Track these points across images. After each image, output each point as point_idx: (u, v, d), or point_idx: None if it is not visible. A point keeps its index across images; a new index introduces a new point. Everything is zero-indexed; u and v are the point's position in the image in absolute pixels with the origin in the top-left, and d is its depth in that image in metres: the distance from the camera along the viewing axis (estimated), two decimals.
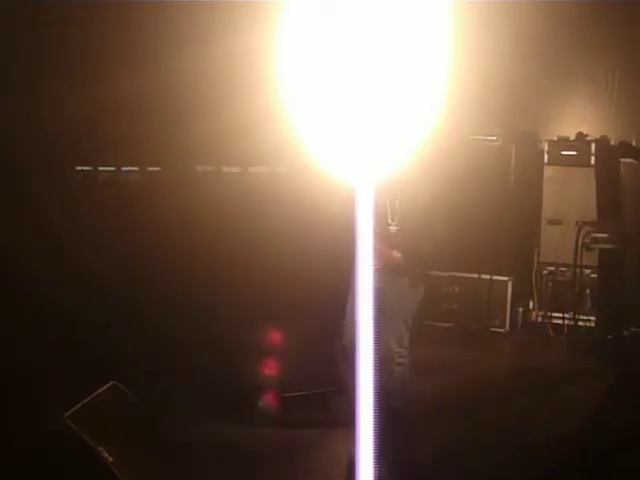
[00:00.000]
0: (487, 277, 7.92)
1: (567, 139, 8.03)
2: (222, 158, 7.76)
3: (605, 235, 7.57)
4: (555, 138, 8.07)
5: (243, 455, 5.02)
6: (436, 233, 5.18)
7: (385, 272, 5.00)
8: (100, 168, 7.96)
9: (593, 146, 7.92)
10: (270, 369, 5.74)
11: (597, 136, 8.06)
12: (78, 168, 7.88)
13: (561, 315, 7.88)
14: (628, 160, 7.86)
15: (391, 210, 5.13)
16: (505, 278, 7.97)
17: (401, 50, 1.93)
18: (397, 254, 5.02)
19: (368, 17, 1.92)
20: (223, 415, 5.36)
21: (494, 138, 7.98)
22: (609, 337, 7.48)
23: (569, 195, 7.95)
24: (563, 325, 7.85)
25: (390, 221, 5.13)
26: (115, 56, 7.25)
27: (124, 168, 8.04)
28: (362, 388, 2.04)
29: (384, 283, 4.99)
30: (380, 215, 5.12)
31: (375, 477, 2.02)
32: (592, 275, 7.81)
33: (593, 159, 7.91)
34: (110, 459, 4.13)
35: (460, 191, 7.78)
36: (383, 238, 5.09)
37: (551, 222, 7.99)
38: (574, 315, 7.79)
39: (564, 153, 7.98)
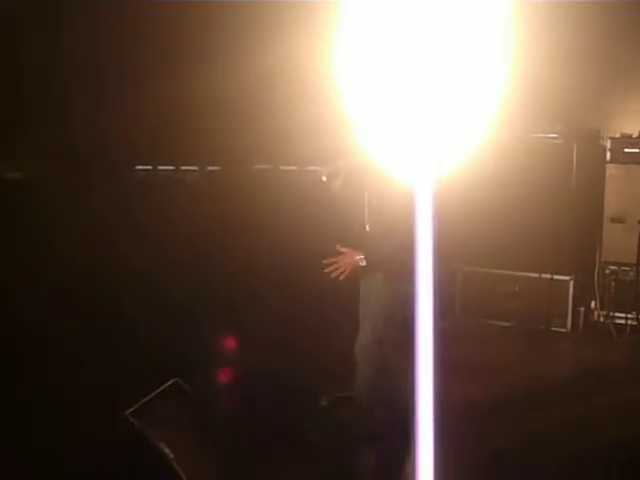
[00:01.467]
0: (548, 276, 7.84)
1: (630, 136, 7.90)
2: (280, 157, 7.80)
3: None
4: (618, 135, 7.94)
5: (298, 450, 5.03)
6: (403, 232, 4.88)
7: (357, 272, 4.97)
8: (160, 167, 8.03)
9: None
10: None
11: None
12: (138, 167, 7.96)
13: (624, 315, 7.77)
14: None
15: (367, 208, 4.99)
16: (566, 277, 7.88)
17: (461, 48, 1.92)
18: (359, 257, 4.86)
19: (428, 14, 1.91)
20: (283, 411, 5.37)
21: (556, 136, 7.89)
22: None
23: (632, 193, 7.82)
24: (626, 325, 7.74)
25: (366, 219, 4.99)
26: (175, 57, 7.30)
27: (183, 167, 8.10)
28: (422, 387, 2.03)
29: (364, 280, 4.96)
30: (358, 213, 5.03)
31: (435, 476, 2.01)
32: None
33: None
34: (172, 456, 4.15)
35: (521, 189, 7.73)
36: (355, 239, 5.01)
37: (614, 220, 7.87)
38: (637, 315, 7.67)
39: (627, 150, 7.85)
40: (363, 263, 4.86)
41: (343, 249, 4.90)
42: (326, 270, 4.85)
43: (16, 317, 5.84)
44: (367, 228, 5.00)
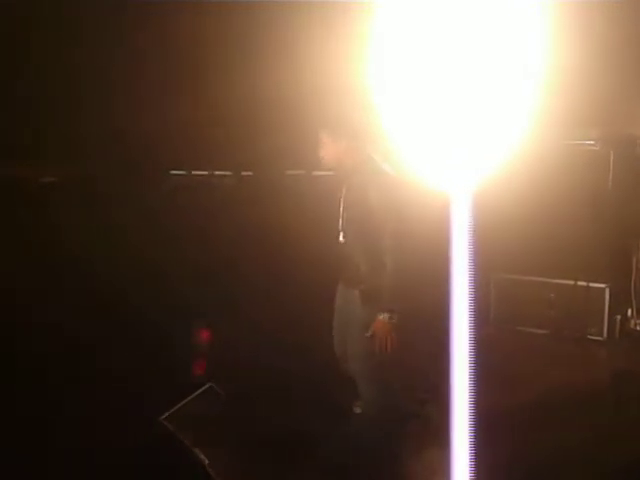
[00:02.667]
0: (584, 284, 7.77)
1: None
2: (312, 162, 7.79)
3: None
4: None
5: (334, 458, 5.01)
6: (375, 247, 4.68)
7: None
8: (194, 172, 8.07)
9: None
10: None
11: None
12: (173, 172, 8.00)
13: None
14: None
15: (341, 217, 4.89)
16: (602, 285, 7.80)
17: (495, 54, 1.91)
18: (386, 317, 4.63)
19: (460, 19, 1.90)
20: (316, 415, 5.36)
21: (592, 142, 7.83)
22: None
23: None
24: None
25: (340, 228, 4.89)
26: (209, 62, 7.33)
27: (217, 172, 8.13)
28: (457, 395, 2.01)
29: (341, 290, 4.90)
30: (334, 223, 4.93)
31: None
32: None
33: None
34: (206, 461, 4.16)
35: (557, 196, 7.67)
36: (330, 248, 4.92)
37: None
38: None
39: None
40: (394, 319, 4.65)
41: (372, 331, 4.72)
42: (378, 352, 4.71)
43: (49, 318, 5.90)
44: (341, 238, 4.91)
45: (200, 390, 4.60)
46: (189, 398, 4.49)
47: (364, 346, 4.78)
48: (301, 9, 7.08)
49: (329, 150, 4.87)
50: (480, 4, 1.89)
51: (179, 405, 4.41)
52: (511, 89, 1.93)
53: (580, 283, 7.79)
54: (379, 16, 1.95)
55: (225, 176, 8.16)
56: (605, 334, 7.80)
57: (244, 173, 8.14)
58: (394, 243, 4.60)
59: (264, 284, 6.89)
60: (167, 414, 4.31)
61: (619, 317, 7.91)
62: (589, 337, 7.78)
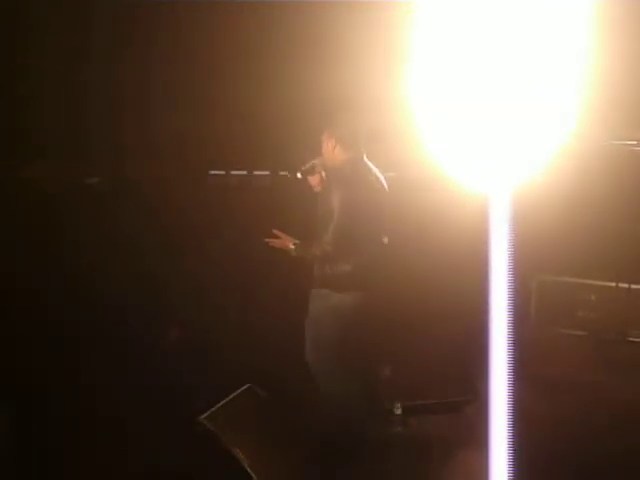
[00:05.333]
0: (625, 285, 7.69)
1: None
2: None
3: None
4: None
5: (372, 460, 4.99)
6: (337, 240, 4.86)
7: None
8: (233, 172, 8.10)
9: None
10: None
11: None
12: (211, 172, 8.04)
13: None
14: None
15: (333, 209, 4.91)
16: None
17: (540, 51, 1.89)
18: (290, 244, 4.92)
19: (504, 15, 1.89)
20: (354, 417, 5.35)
21: (636, 143, 7.77)
22: None
23: None
24: None
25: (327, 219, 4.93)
26: (247, 64, 7.35)
27: (256, 172, 8.16)
28: (497, 396, 2.00)
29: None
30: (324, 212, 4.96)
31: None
32: None
33: None
34: (246, 461, 4.16)
35: (599, 197, 7.61)
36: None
37: None
38: None
39: None
40: (292, 246, 4.91)
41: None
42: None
43: (85, 317, 5.96)
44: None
45: (239, 390, 4.61)
46: (228, 398, 4.50)
47: (321, 346, 4.92)
48: (340, 10, 7.08)
49: (324, 149, 5.03)
50: (526, 2, 1.88)
51: (218, 405, 4.42)
52: (556, 89, 1.91)
53: (621, 285, 7.72)
54: (420, 18, 1.94)
55: (263, 176, 8.18)
56: None
57: (282, 173, 8.16)
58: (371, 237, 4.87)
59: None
60: (206, 414, 4.32)
61: None
62: (630, 339, 7.71)
